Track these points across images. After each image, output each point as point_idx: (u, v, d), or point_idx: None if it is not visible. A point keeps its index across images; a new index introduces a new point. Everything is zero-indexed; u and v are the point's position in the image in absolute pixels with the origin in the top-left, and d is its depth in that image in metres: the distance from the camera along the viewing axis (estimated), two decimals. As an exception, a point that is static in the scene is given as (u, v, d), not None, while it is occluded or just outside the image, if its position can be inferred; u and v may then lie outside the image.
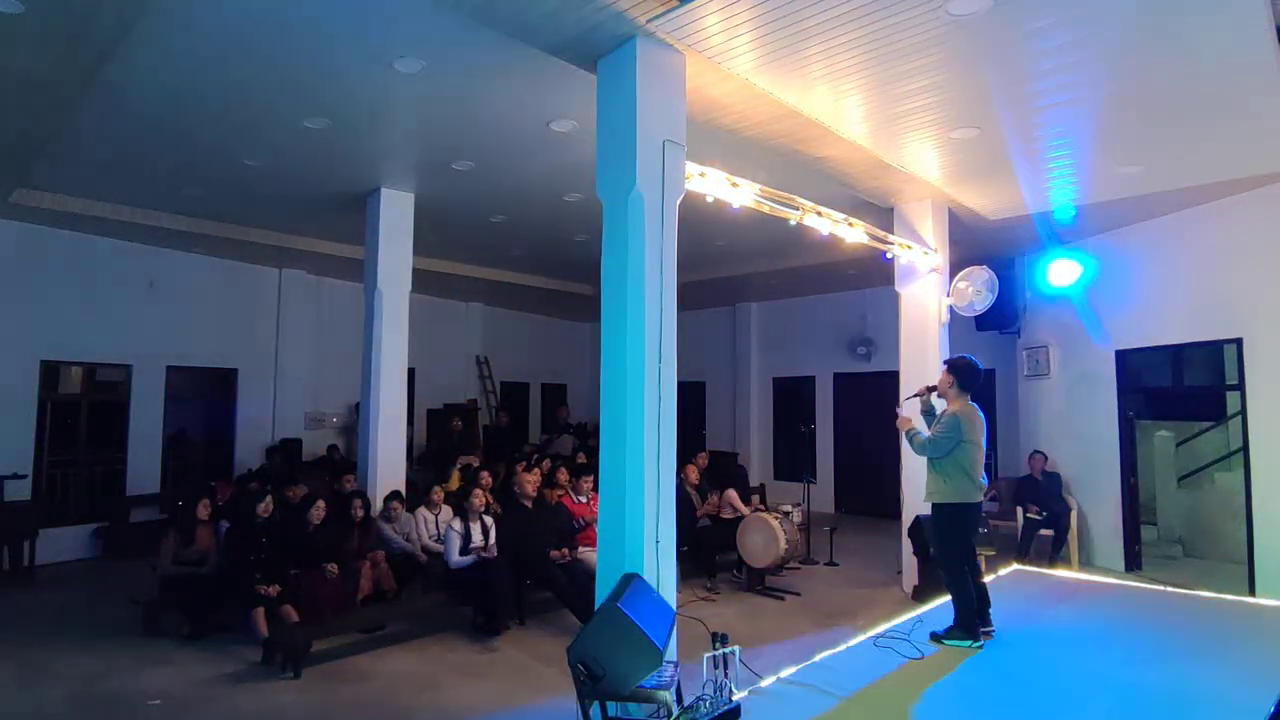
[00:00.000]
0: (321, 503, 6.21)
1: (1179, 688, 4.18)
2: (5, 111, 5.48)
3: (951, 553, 4.97)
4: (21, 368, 8.39)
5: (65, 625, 6.16)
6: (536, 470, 8.05)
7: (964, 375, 5.07)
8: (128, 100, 5.42)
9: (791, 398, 13.21)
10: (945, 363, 5.26)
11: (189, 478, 9.66)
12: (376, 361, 7.42)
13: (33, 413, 8.46)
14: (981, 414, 5.04)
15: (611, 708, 3.61)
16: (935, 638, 4.83)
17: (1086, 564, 8.16)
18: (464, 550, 6.22)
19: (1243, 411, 6.92)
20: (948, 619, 5.41)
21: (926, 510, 6.95)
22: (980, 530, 5.42)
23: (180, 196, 7.82)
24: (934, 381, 5.39)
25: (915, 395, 5.43)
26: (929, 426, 5.23)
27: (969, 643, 4.74)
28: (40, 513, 8.20)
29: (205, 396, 10.38)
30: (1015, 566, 6.75)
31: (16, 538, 7.78)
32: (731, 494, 8.22)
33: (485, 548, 6.29)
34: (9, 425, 8.22)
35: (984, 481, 4.94)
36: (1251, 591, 6.53)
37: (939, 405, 5.31)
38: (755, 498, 9.48)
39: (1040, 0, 3.84)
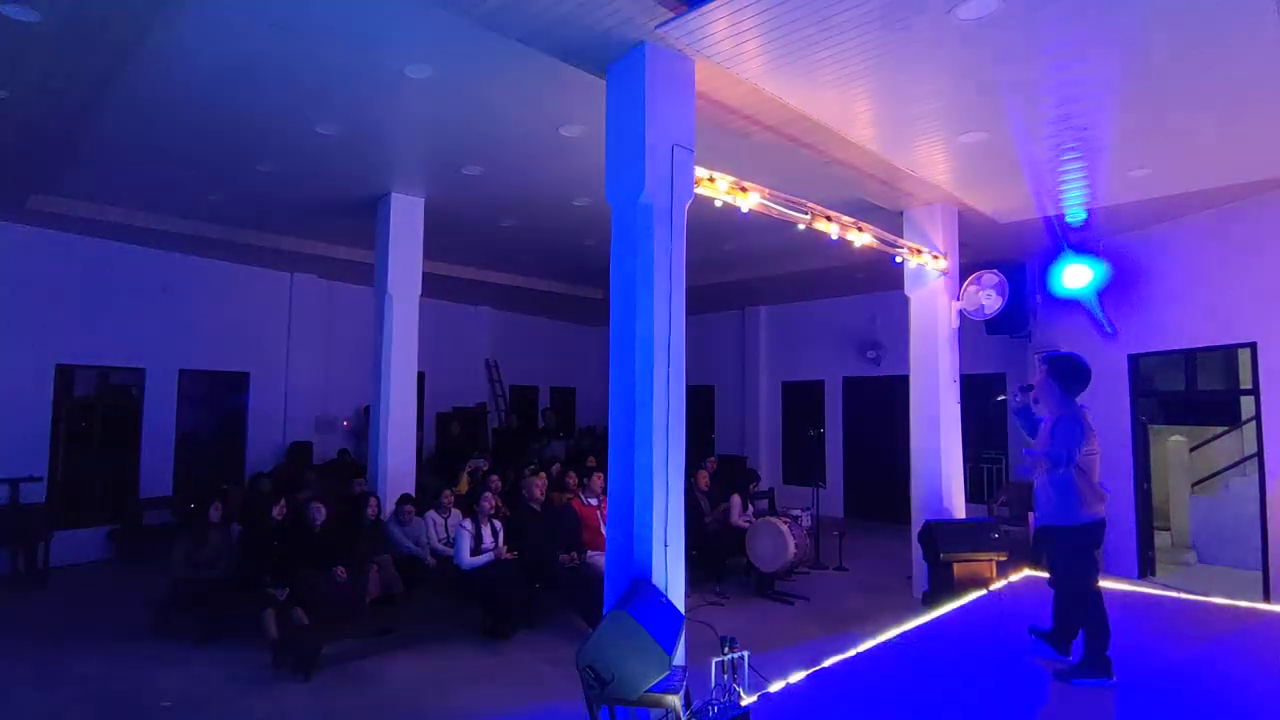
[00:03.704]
0: (320, 504, 6.23)
1: (1192, 694, 4.15)
2: (22, 118, 5.56)
3: (1076, 577, 4.34)
4: (37, 371, 8.47)
5: (79, 627, 6.21)
6: (543, 474, 8.06)
7: (1067, 376, 4.27)
8: (141, 108, 5.48)
9: (800, 402, 13.18)
10: (1044, 360, 4.43)
11: (201, 481, 9.72)
12: (387, 365, 7.46)
13: (48, 416, 8.54)
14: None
15: (620, 712, 3.61)
16: (1062, 677, 4.31)
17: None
18: (475, 551, 6.24)
19: (1257, 416, 6.87)
20: (958, 624, 5.38)
21: (936, 514, 6.97)
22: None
23: (193, 202, 7.90)
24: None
25: (1022, 390, 4.63)
26: (1030, 432, 4.51)
27: (1101, 680, 4.19)
28: (54, 515, 8.26)
29: (217, 400, 10.45)
30: (1026, 572, 6.72)
31: (31, 540, 7.85)
32: (735, 502, 8.20)
33: (497, 549, 6.31)
34: (24, 428, 8.30)
35: (1105, 491, 4.27)
36: (1266, 598, 6.47)
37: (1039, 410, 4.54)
38: (764, 503, 9.47)
39: (1048, 5, 3.83)
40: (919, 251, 7.10)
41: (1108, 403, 8.24)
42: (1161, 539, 8.59)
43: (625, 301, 4.24)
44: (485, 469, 8.76)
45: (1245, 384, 7.37)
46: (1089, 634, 4.32)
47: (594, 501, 7.15)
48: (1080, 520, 4.21)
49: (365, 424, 9.63)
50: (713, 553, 7.64)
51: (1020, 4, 3.80)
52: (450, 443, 11.40)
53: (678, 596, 4.13)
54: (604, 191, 4.45)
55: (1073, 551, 4.33)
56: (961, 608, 5.80)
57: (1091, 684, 4.21)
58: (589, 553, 6.61)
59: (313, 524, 6.11)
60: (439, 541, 6.89)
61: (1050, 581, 4.74)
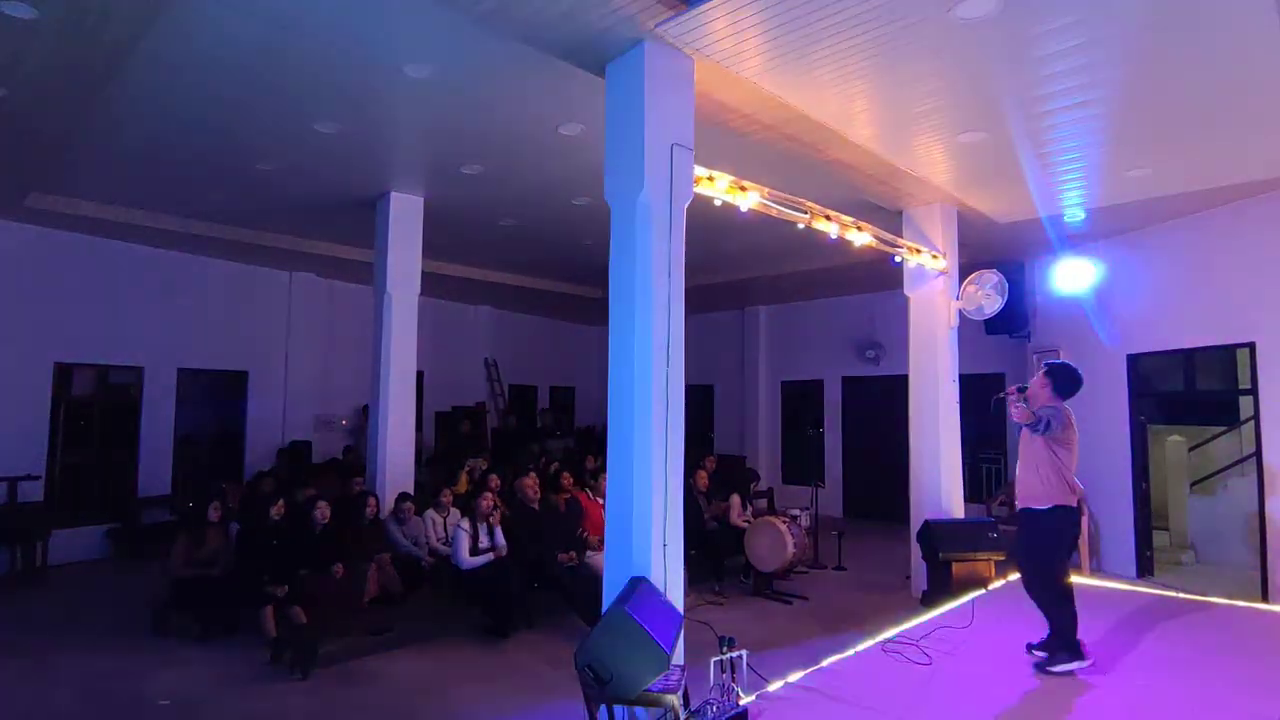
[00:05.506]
0: (324, 503, 6.23)
1: (1190, 695, 4.15)
2: (20, 116, 5.54)
3: (1044, 562, 4.57)
4: (35, 370, 8.47)
5: (76, 626, 6.20)
6: (532, 473, 8.02)
7: (1062, 382, 4.64)
8: (140, 106, 5.47)
9: (800, 401, 13.19)
10: (1045, 365, 4.81)
11: (199, 479, 9.71)
12: (386, 364, 7.46)
13: (46, 414, 8.54)
14: None
15: (619, 711, 3.61)
16: (1042, 668, 4.45)
17: (1097, 569, 8.10)
18: (473, 551, 6.24)
19: (1255, 416, 6.87)
20: (958, 624, 5.38)
21: (935, 514, 6.97)
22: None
23: (192, 200, 7.89)
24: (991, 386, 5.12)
25: (1004, 394, 4.91)
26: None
27: (1075, 663, 4.38)
28: (52, 514, 8.26)
29: (216, 398, 10.44)
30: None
31: (29, 538, 7.84)
32: (735, 501, 8.19)
33: (494, 549, 6.31)
34: (23, 427, 8.30)
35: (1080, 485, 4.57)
36: (1264, 598, 6.47)
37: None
38: (763, 503, 9.46)
39: (1048, 4, 3.83)
40: (918, 251, 7.10)
41: (1107, 403, 8.25)
42: (1160, 538, 8.60)
43: (624, 301, 4.24)
44: (484, 468, 8.75)
45: (1244, 384, 7.37)
46: (1059, 620, 4.47)
47: (602, 500, 7.13)
48: (1050, 504, 4.47)
49: (364, 423, 9.64)
50: (711, 552, 7.64)
51: (1020, 4, 3.80)
52: (458, 441, 11.41)
53: (676, 596, 4.13)
54: (603, 191, 4.45)
55: (1041, 536, 4.55)
56: (959, 606, 5.80)
57: (1067, 668, 4.34)
58: (588, 552, 6.60)
59: (314, 523, 6.10)
60: (438, 541, 6.89)
61: (1022, 580, 4.77)
